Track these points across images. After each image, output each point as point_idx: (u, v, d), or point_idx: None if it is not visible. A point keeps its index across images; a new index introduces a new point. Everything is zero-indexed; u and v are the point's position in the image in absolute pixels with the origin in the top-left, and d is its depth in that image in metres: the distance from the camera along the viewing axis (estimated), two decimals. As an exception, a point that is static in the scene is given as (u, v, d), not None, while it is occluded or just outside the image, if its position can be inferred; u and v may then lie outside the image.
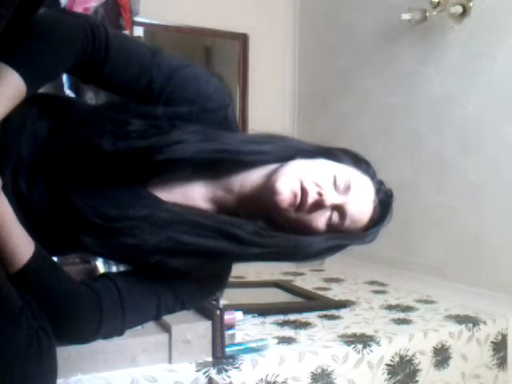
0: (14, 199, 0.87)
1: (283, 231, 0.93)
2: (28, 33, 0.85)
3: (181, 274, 0.95)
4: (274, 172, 0.93)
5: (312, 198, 0.90)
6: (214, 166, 0.95)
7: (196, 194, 0.96)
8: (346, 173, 0.95)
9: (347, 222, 0.94)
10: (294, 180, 0.90)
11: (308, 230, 0.93)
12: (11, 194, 0.88)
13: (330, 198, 0.91)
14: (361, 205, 0.95)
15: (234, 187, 0.96)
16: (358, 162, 0.99)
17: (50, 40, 0.86)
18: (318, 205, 0.90)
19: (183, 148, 0.90)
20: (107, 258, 1.19)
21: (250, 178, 0.95)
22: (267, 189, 0.91)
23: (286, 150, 0.97)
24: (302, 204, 0.90)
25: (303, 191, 0.90)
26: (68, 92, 1.97)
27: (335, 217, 0.93)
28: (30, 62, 0.84)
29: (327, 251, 0.96)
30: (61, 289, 0.88)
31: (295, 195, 0.90)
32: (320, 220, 0.92)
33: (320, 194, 0.90)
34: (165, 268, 0.92)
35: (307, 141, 1.04)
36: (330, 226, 0.94)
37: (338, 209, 0.93)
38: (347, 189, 0.93)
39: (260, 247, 0.92)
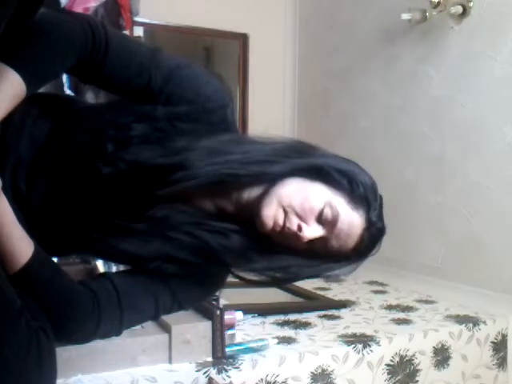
0: (13, 199, 0.87)
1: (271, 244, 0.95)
2: (28, 33, 0.85)
3: (179, 276, 0.96)
4: (264, 194, 0.93)
5: (291, 230, 0.91)
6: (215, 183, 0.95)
7: (197, 197, 0.96)
8: (336, 207, 0.92)
9: (330, 249, 0.95)
10: (278, 209, 0.91)
11: (290, 250, 0.94)
12: (11, 194, 0.88)
13: (309, 233, 0.91)
14: (344, 240, 0.94)
15: (232, 199, 0.97)
16: (354, 190, 0.94)
17: (49, 40, 0.86)
18: (297, 237, 0.92)
19: (188, 177, 0.90)
20: (106, 259, 1.20)
21: (246, 194, 0.95)
22: (254, 212, 0.92)
23: (286, 169, 0.95)
24: (281, 232, 0.92)
25: (284, 223, 0.91)
26: (68, 92, 1.97)
27: (317, 243, 0.94)
28: (30, 62, 0.84)
29: (311, 277, 1.00)
30: (59, 289, 0.88)
31: (277, 225, 0.91)
32: (301, 245, 0.93)
33: (299, 229, 0.91)
34: (162, 273, 0.94)
35: (319, 150, 1.00)
36: (313, 249, 0.94)
37: (319, 239, 0.93)
38: (332, 224, 0.92)
39: (248, 270, 0.96)
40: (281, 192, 0.92)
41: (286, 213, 0.91)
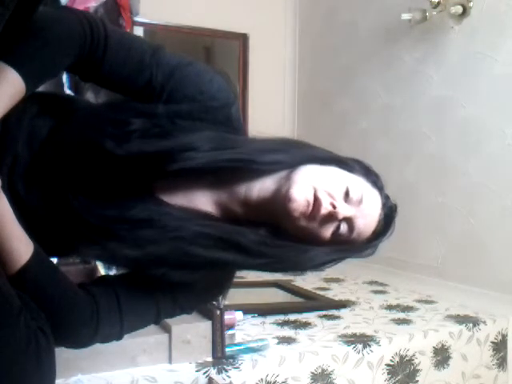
0: (11, 199, 0.86)
1: (287, 239, 0.92)
2: (27, 31, 0.84)
3: (181, 281, 0.93)
4: (287, 178, 0.91)
5: (325, 209, 0.88)
6: (221, 173, 0.93)
7: (200, 198, 0.94)
8: (359, 185, 0.93)
9: (354, 235, 0.93)
10: (307, 187, 0.88)
11: (314, 239, 0.91)
12: (8, 193, 0.87)
13: (343, 210, 0.89)
14: (369, 219, 0.93)
15: (239, 194, 0.94)
16: (368, 173, 0.97)
17: (48, 38, 0.85)
18: (331, 216, 0.89)
19: (196, 156, 0.88)
20: (106, 263, 1.18)
21: (257, 186, 0.93)
22: (280, 196, 0.89)
23: (298, 158, 0.94)
24: (314, 214, 0.88)
25: (316, 201, 0.88)
26: (68, 92, 1.97)
27: (343, 228, 0.91)
28: (29, 61, 0.84)
29: (329, 263, 0.95)
30: (58, 292, 0.87)
31: (308, 204, 0.88)
32: (328, 230, 0.91)
33: (334, 206, 0.88)
34: (168, 280, 0.91)
35: (320, 147, 1.01)
36: (336, 236, 0.92)
37: (348, 221, 0.91)
38: (359, 202, 0.91)
39: (265, 257, 0.91)
40: (304, 173, 0.90)
41: (315, 191, 0.88)
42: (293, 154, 0.95)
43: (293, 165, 0.93)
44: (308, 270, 0.99)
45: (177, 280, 0.91)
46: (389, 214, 0.98)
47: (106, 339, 0.93)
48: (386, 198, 0.98)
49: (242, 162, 0.91)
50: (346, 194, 0.91)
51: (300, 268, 1.00)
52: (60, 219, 0.92)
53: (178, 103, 0.92)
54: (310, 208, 0.88)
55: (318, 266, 0.95)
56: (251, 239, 0.90)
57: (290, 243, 0.91)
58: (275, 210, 0.90)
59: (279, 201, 0.89)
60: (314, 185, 0.89)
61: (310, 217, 0.89)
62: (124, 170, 0.89)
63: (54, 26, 0.87)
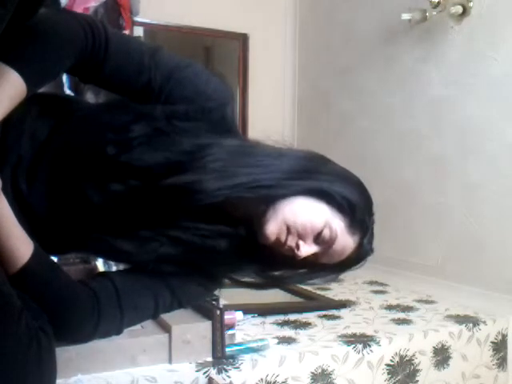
0: (13, 199, 0.87)
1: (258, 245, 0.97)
2: (28, 33, 0.85)
3: (178, 275, 0.97)
4: (270, 210, 0.93)
5: (288, 248, 0.94)
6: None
7: None
8: (336, 230, 0.95)
9: (317, 262, 0.99)
10: (282, 227, 0.93)
11: (281, 260, 0.98)
12: (11, 193, 0.88)
13: (305, 252, 0.94)
14: (333, 259, 0.98)
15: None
16: (353, 220, 0.97)
17: (49, 40, 0.86)
18: (293, 253, 0.95)
19: (204, 196, 0.90)
20: (106, 258, 1.20)
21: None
22: (259, 224, 0.93)
23: (293, 191, 0.95)
24: (279, 246, 0.95)
25: (285, 240, 0.94)
26: (68, 92, 1.97)
27: (308, 257, 0.96)
28: (30, 62, 0.84)
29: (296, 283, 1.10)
30: (59, 290, 0.88)
31: (279, 241, 0.94)
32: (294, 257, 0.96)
33: (297, 247, 0.94)
34: (161, 272, 0.95)
35: (327, 165, 1.00)
36: (303, 260, 0.97)
37: (311, 254, 0.96)
38: (329, 245, 0.95)
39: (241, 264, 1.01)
40: (286, 210, 0.93)
41: (288, 230, 0.93)
42: (288, 188, 0.95)
43: (285, 196, 0.94)
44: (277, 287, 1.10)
45: (169, 272, 0.95)
46: (362, 255, 1.00)
47: (106, 334, 0.95)
48: (368, 242, 0.99)
49: (237, 199, 0.93)
50: (318, 235, 0.94)
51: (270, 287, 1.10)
52: (62, 217, 0.93)
53: (175, 104, 0.93)
54: (279, 244, 0.94)
55: (280, 283, 1.08)
56: (222, 253, 0.96)
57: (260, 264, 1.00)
58: (253, 223, 0.95)
59: (256, 226, 0.94)
60: (290, 225, 0.93)
61: (277, 246, 0.95)
62: (125, 175, 0.91)
63: (56, 29, 0.87)
